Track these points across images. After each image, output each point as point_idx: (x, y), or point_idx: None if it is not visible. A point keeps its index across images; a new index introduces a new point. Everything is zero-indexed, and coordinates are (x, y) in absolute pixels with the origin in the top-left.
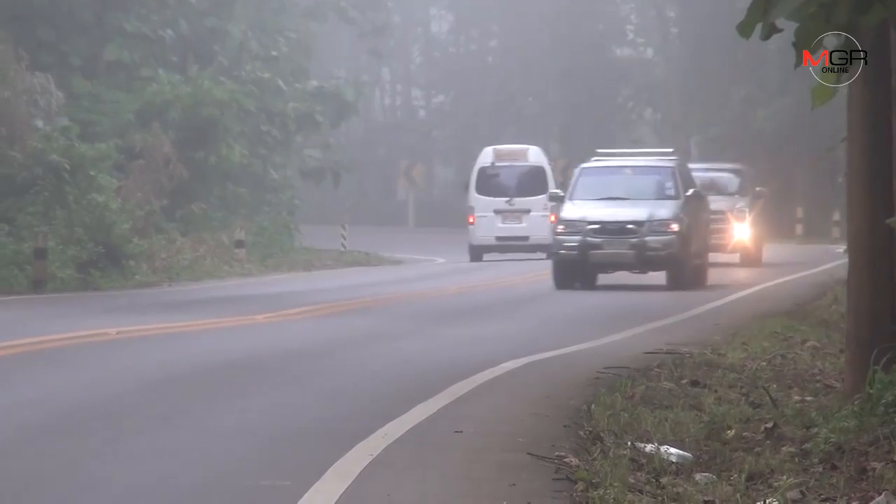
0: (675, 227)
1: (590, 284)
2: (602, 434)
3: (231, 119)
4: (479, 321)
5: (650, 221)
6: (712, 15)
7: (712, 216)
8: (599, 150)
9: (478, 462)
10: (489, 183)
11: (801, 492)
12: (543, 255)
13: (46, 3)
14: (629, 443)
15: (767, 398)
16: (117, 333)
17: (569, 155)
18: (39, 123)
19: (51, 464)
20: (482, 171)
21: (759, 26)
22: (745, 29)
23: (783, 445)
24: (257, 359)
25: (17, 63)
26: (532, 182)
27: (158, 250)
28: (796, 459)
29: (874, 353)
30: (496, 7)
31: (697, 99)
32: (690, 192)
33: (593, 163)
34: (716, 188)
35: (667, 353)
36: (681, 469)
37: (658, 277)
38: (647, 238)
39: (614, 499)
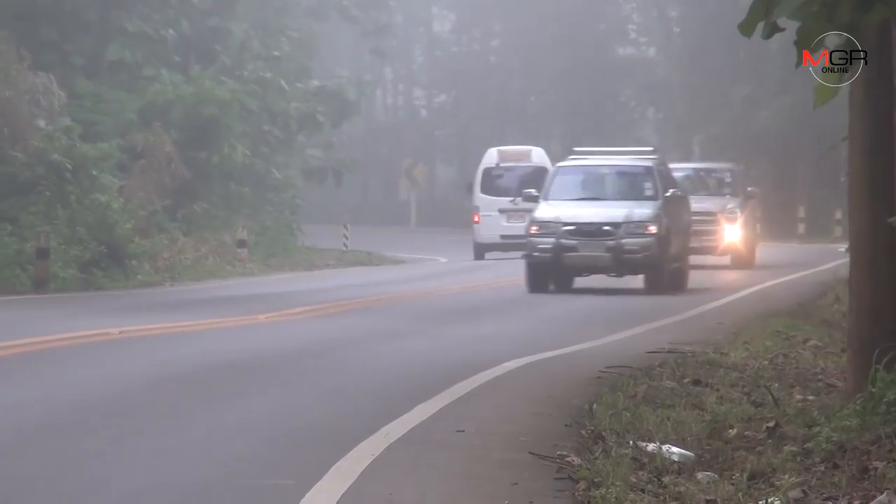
0: (653, 228)
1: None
2: (604, 433)
3: (233, 119)
4: (481, 320)
5: (627, 223)
6: (714, 14)
7: (702, 217)
8: (577, 149)
9: (479, 461)
10: (494, 183)
11: (803, 491)
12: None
13: (49, 2)
14: (631, 442)
15: (769, 397)
16: (119, 333)
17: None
18: (42, 123)
19: (53, 463)
20: (487, 171)
21: (760, 25)
22: (746, 28)
23: (785, 444)
24: (259, 358)
25: (19, 63)
26: (535, 182)
27: (161, 250)
28: (798, 458)
29: (876, 352)
30: (498, 6)
31: (699, 98)
32: (670, 192)
33: (569, 161)
34: (706, 188)
35: (669, 352)
36: (683, 468)
37: (636, 281)
38: (624, 240)
39: (616, 498)
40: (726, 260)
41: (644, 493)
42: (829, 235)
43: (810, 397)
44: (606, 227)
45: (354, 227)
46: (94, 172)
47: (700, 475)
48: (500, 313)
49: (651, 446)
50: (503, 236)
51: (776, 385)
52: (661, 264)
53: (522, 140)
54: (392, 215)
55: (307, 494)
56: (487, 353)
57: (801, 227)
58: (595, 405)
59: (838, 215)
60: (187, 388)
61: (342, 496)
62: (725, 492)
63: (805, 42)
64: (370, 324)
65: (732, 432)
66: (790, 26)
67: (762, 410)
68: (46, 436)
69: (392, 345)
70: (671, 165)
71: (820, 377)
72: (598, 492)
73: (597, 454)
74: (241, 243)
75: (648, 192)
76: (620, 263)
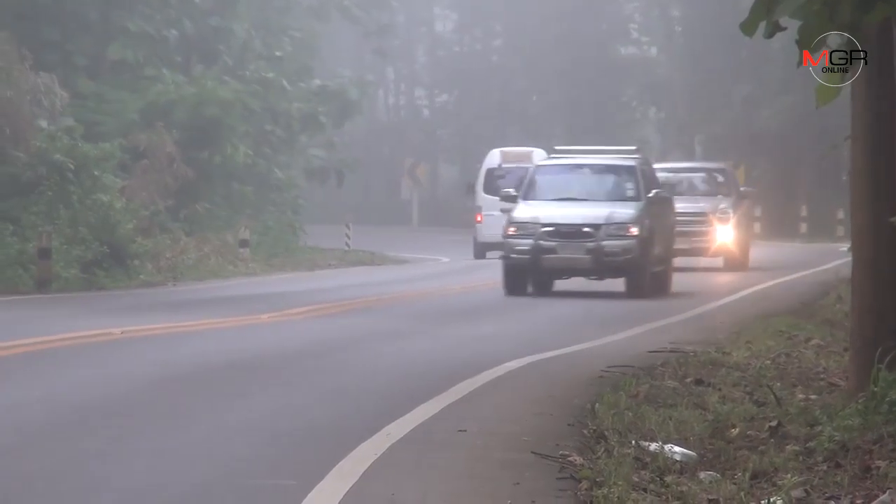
0: (634, 230)
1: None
2: (606, 433)
3: (235, 119)
4: (483, 320)
5: (608, 224)
6: (716, 14)
7: (693, 218)
8: (557, 147)
9: (481, 461)
10: (496, 184)
11: (806, 490)
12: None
13: (51, 2)
14: (633, 441)
15: (772, 397)
16: (121, 333)
17: None
18: (44, 123)
19: (53, 463)
20: (490, 172)
21: (762, 25)
22: (748, 27)
23: (787, 444)
24: (261, 358)
25: (21, 63)
26: None
27: (163, 250)
28: (800, 458)
29: (878, 351)
30: (500, 6)
31: (701, 98)
32: (653, 192)
33: (549, 160)
34: (698, 188)
35: (671, 351)
36: (685, 468)
37: (620, 283)
38: (605, 242)
39: (618, 497)
40: (719, 262)
41: (646, 492)
42: (831, 235)
43: (812, 396)
44: (586, 229)
45: (356, 227)
46: (96, 172)
47: (702, 475)
48: (501, 313)
49: (653, 446)
50: None
51: (778, 384)
52: (643, 267)
53: (524, 139)
54: (394, 215)
55: (309, 495)
56: (489, 353)
57: (804, 227)
58: (597, 405)
59: (840, 215)
60: (189, 388)
61: (344, 496)
62: (728, 491)
63: (806, 41)
64: (372, 324)
65: (735, 432)
66: (792, 26)
67: (764, 410)
68: (47, 435)
69: (394, 345)
70: (664, 165)
71: (822, 376)
72: (600, 491)
73: (599, 454)
74: (244, 243)
75: (630, 193)
76: (601, 266)
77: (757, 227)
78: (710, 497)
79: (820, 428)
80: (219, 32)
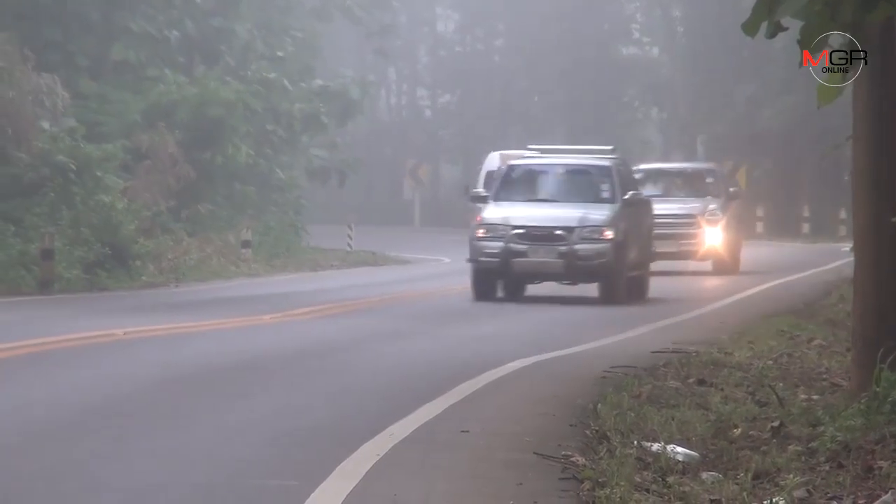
0: (609, 233)
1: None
2: (609, 433)
3: (237, 119)
4: (485, 320)
5: (581, 227)
6: (718, 14)
7: (681, 220)
8: (531, 146)
9: (484, 461)
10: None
11: (808, 490)
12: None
13: (53, 3)
14: (636, 442)
15: (774, 397)
16: (124, 334)
17: None
18: (46, 124)
19: (57, 463)
20: (490, 174)
21: (764, 25)
22: (750, 27)
23: (790, 444)
24: (263, 359)
25: (23, 63)
26: None
27: (165, 250)
28: (803, 458)
29: (881, 351)
30: (502, 6)
31: (703, 98)
32: (629, 194)
33: (521, 160)
34: (686, 189)
35: (673, 352)
36: (687, 468)
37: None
38: (578, 246)
39: (621, 498)
40: (708, 265)
41: (648, 492)
42: (833, 235)
43: (815, 397)
44: (559, 232)
45: (358, 228)
46: (98, 173)
47: (704, 475)
48: (502, 313)
49: (656, 446)
50: None
51: (781, 385)
52: (618, 272)
53: (526, 140)
54: (396, 215)
55: (312, 495)
56: (491, 354)
57: (806, 227)
58: (599, 405)
59: (842, 215)
60: (191, 388)
61: (347, 497)
62: (730, 491)
63: (808, 42)
64: (374, 324)
65: (737, 432)
66: (793, 25)
67: (767, 410)
68: (49, 436)
69: (395, 345)
70: (650, 166)
71: (824, 377)
72: (602, 492)
73: (601, 454)
74: (246, 244)
75: (605, 194)
76: (573, 270)
77: (759, 227)
78: (712, 497)
79: (822, 428)
80: (221, 33)
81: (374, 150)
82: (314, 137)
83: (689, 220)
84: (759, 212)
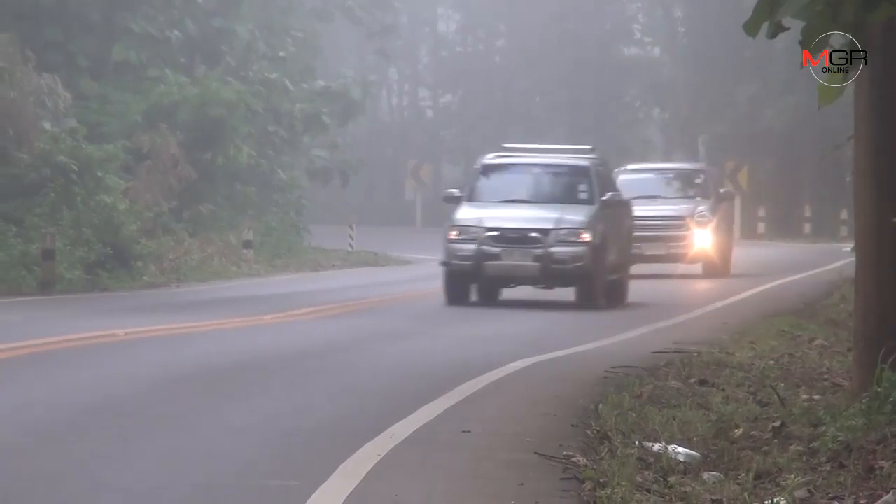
0: (586, 236)
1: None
2: (610, 433)
3: (239, 120)
4: (485, 321)
5: (557, 229)
6: (719, 14)
7: (670, 222)
8: (506, 145)
9: (485, 462)
10: None
11: (809, 490)
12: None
13: (53, 3)
14: (637, 442)
15: (775, 397)
16: (125, 334)
17: None
18: (47, 125)
19: (58, 464)
20: None
21: (765, 25)
22: (751, 28)
23: (791, 444)
24: (264, 359)
25: (24, 64)
26: None
27: (166, 251)
28: (804, 458)
29: (882, 351)
30: (503, 7)
31: (704, 98)
32: (608, 195)
33: (496, 159)
34: (675, 190)
35: (675, 352)
36: (689, 468)
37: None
38: (554, 249)
39: (622, 498)
40: (697, 268)
41: (650, 493)
42: (835, 235)
43: (816, 397)
44: (534, 234)
45: (360, 228)
46: (99, 174)
47: (706, 475)
48: (502, 314)
49: (657, 446)
50: None
51: (782, 385)
52: (596, 276)
53: (527, 140)
54: (397, 215)
55: (313, 495)
56: (492, 354)
57: (807, 227)
58: (601, 405)
59: (844, 215)
60: (192, 389)
61: (348, 497)
62: (731, 492)
63: (809, 42)
64: (375, 324)
65: (738, 432)
66: (795, 26)
67: (768, 410)
68: (50, 436)
69: (396, 345)
70: (638, 166)
71: (826, 377)
72: (603, 492)
73: (603, 454)
74: (247, 244)
75: (583, 195)
76: (549, 274)
77: (760, 227)
78: (713, 497)
79: (823, 428)
80: (222, 33)
81: (376, 150)
82: (315, 138)
83: (677, 221)
84: (761, 212)
